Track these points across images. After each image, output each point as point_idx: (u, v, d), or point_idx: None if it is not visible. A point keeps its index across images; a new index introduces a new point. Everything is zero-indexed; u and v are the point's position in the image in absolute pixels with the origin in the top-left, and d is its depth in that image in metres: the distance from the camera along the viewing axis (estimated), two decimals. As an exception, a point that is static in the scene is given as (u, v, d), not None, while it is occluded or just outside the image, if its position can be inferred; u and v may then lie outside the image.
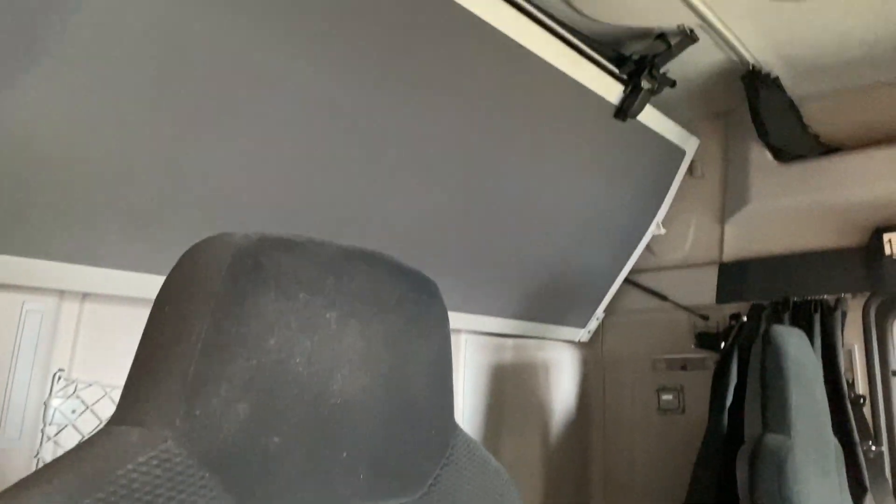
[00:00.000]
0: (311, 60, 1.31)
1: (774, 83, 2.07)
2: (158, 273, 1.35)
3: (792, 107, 2.14)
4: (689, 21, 1.84)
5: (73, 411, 1.37)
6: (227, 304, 0.57)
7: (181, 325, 0.57)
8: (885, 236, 2.05)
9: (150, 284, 1.34)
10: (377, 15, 1.36)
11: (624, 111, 1.96)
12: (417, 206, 1.71)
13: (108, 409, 1.40)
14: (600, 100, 1.92)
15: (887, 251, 2.05)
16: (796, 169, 2.20)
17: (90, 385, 1.39)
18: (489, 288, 2.09)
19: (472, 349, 2.23)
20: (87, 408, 1.39)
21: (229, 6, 1.16)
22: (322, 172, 1.47)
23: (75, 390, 1.37)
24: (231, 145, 1.30)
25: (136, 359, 0.60)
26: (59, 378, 1.35)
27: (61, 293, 1.34)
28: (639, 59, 1.95)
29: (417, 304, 0.71)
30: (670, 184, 2.38)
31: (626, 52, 1.96)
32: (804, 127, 2.17)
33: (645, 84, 1.95)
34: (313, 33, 1.29)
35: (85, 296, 1.39)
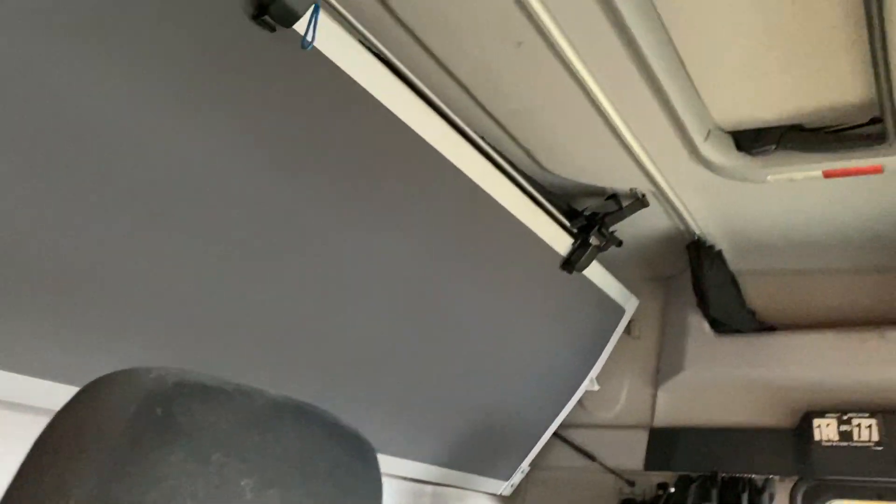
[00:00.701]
0: (258, 177, 1.25)
1: (718, 256, 2.12)
2: (50, 379, 1.19)
3: (733, 281, 2.18)
4: (643, 186, 1.88)
5: None
6: (124, 461, 0.46)
7: (59, 482, 0.46)
8: (815, 421, 2.05)
9: (39, 392, 1.18)
10: (347, 144, 1.33)
11: (571, 264, 1.95)
12: (352, 335, 1.62)
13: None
14: (549, 250, 1.91)
15: (816, 436, 2.04)
16: (732, 342, 2.20)
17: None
18: (413, 430, 1.97)
19: (388, 494, 2.06)
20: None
21: (173, 106, 1.10)
22: (256, 289, 1.37)
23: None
24: (158, 247, 1.20)
25: None
26: None
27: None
28: (590, 216, 1.96)
29: (351, 473, 0.61)
30: (608, 340, 2.36)
31: (579, 208, 1.98)
32: (742, 302, 2.20)
33: (594, 240, 1.95)
34: (269, 154, 1.24)
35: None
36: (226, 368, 1.36)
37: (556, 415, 2.37)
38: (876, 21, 1.15)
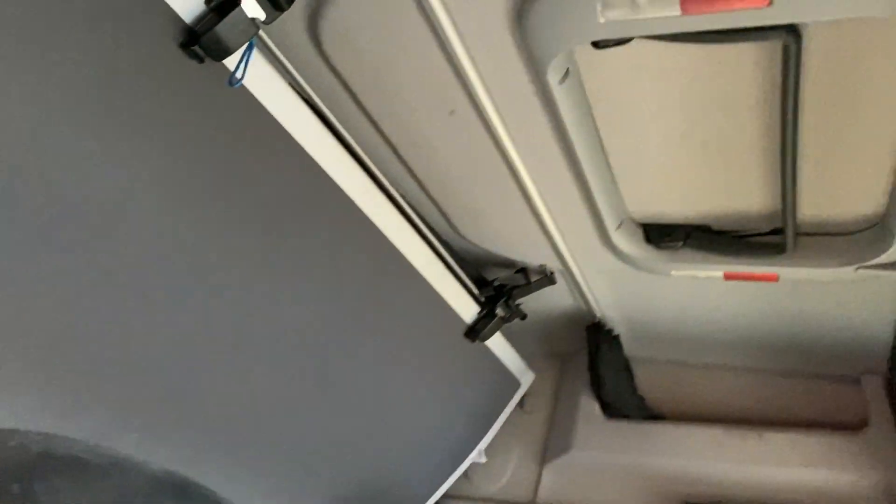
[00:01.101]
0: (155, 208, 1.18)
1: (615, 340, 2.15)
2: None
3: (627, 366, 2.22)
4: (552, 264, 1.91)
5: None
6: (-39, 546, 0.39)
7: None
8: (691, 513, 2.08)
9: None
10: (262, 187, 1.28)
11: (476, 332, 1.94)
12: (232, 388, 1.51)
13: None
14: (455, 316, 1.89)
15: (692, 528, 2.07)
16: (620, 427, 2.23)
17: None
18: (292, 493, 1.87)
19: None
20: None
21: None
22: (137, 331, 1.27)
23: None
24: (27, 282, 1.09)
25: None
26: None
27: None
28: (499, 287, 1.97)
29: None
30: (500, 413, 2.34)
31: (489, 277, 1.98)
32: (634, 388, 2.24)
33: (499, 311, 1.95)
34: (175, 186, 1.17)
35: None
36: (97, 423, 1.24)
37: (440, 484, 2.31)
38: (790, 140, 1.21)
